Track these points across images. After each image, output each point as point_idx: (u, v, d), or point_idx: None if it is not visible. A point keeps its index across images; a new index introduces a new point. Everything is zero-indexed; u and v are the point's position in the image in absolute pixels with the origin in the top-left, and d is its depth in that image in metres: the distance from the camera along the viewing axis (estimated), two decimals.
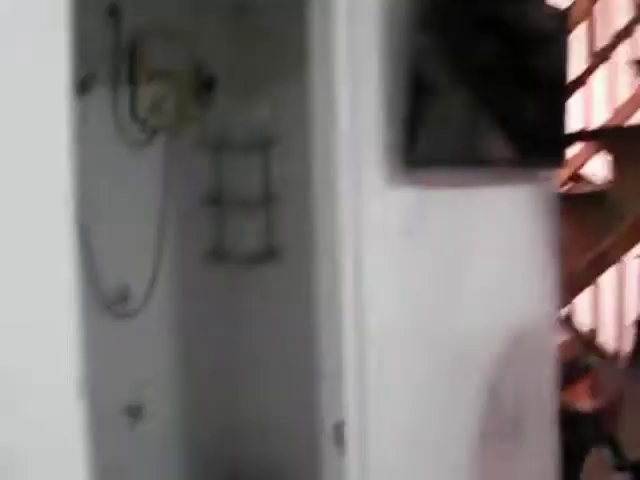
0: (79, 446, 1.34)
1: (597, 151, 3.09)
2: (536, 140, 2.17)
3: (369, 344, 1.77)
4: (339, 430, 1.78)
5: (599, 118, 3.16)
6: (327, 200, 1.79)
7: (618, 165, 2.65)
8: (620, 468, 2.43)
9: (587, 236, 2.56)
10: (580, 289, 2.74)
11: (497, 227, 2.15)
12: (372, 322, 1.77)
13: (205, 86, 2.92)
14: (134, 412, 2.72)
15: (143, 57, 2.76)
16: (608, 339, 3.09)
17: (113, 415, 2.67)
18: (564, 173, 3.00)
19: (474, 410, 2.12)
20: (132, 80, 2.76)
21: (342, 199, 1.74)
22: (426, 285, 1.94)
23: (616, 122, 3.03)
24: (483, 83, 1.98)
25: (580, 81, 2.92)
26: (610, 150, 2.79)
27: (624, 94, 3.10)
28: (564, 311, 3.08)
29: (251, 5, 2.88)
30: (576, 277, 2.58)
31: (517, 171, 2.20)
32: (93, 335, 2.59)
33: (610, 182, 2.76)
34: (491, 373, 2.13)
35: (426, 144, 1.76)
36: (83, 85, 2.56)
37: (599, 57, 2.98)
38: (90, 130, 2.58)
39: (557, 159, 2.25)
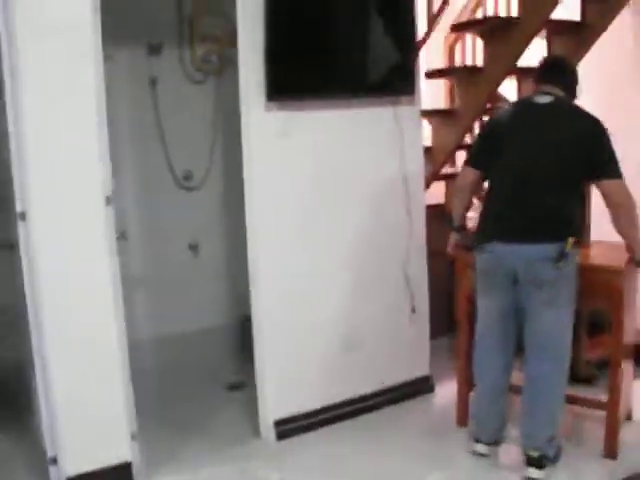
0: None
1: None
2: (393, 75, 3.39)
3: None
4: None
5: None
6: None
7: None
8: None
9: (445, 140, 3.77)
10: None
11: (363, 137, 3.32)
12: (257, 194, 3.16)
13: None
14: (194, 248, 4.34)
15: (197, 27, 4.19)
16: None
17: (182, 249, 4.33)
18: None
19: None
20: (190, 42, 4.21)
21: (244, 120, 3.11)
22: (296, 171, 3.19)
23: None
24: (344, 34, 3.13)
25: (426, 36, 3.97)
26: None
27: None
28: None
29: None
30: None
31: (380, 97, 3.38)
32: (170, 202, 4.31)
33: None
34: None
35: (285, 81, 2.96)
36: (158, 47, 4.09)
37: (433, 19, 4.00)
38: (167, 75, 4.22)
39: (411, 89, 3.43)
